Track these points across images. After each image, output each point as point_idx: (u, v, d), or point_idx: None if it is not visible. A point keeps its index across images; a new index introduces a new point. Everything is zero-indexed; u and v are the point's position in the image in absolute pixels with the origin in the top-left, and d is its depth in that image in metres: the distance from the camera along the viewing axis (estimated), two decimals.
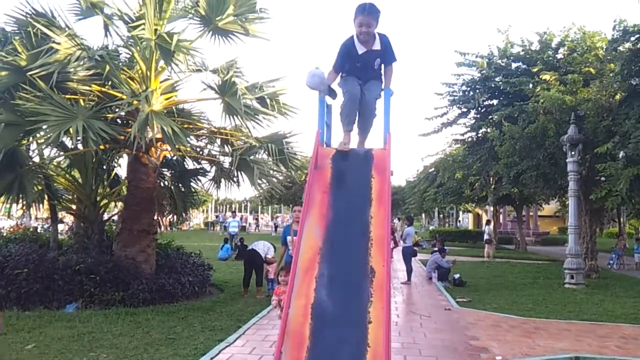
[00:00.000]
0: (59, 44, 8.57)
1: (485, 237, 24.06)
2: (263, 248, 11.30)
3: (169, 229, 15.12)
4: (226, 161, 11.33)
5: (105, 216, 11.53)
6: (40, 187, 10.31)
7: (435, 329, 8.05)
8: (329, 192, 3.78)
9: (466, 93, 20.06)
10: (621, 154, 11.87)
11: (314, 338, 2.94)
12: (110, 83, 9.58)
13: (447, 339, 7.33)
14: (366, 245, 3.41)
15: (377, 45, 4.42)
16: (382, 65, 4.56)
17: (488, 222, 26.74)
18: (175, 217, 13.12)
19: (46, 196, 10.73)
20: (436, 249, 15.64)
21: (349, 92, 4.40)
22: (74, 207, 11.19)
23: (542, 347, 6.94)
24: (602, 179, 13.81)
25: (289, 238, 7.54)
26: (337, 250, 3.42)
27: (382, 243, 3.37)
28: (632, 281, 15.72)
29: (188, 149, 10.59)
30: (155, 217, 10.78)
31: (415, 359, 6.14)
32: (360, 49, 4.40)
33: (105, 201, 11.27)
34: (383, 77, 4.56)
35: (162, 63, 9.71)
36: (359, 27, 4.31)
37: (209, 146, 11.84)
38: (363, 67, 4.45)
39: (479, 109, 19.99)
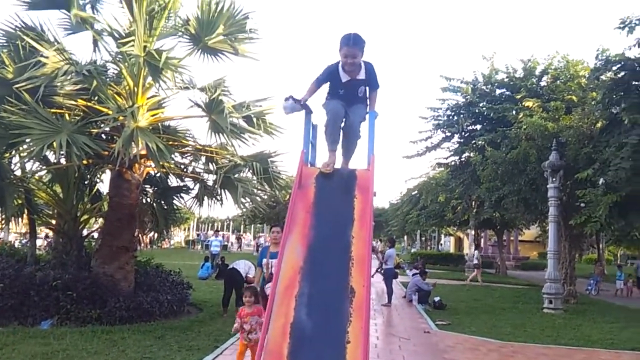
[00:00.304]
0: (47, 57, 8.56)
1: (475, 261, 24.23)
2: (244, 267, 11.24)
3: (149, 246, 14.96)
4: (210, 179, 11.31)
5: (85, 232, 11.41)
6: (20, 201, 10.19)
7: (414, 351, 8.05)
8: (311, 211, 3.80)
9: (450, 117, 20.32)
10: (601, 180, 12.08)
11: (293, 357, 2.94)
12: (96, 98, 9.56)
13: None
14: (347, 265, 3.43)
15: (362, 75, 4.45)
16: (367, 92, 4.60)
17: (477, 247, 26.89)
18: (156, 234, 13.03)
19: (26, 210, 10.61)
20: (417, 270, 15.73)
21: (331, 111, 4.41)
22: (53, 222, 11.07)
23: None
24: (582, 205, 14.02)
25: (264, 260, 6.95)
26: (318, 270, 3.43)
27: (363, 263, 3.40)
28: (610, 307, 15.90)
29: (172, 165, 10.57)
30: (136, 234, 10.70)
31: None
32: (344, 78, 4.43)
33: (85, 217, 11.17)
34: (368, 101, 4.62)
35: (150, 79, 9.74)
36: (344, 57, 4.33)
37: (193, 163, 11.82)
38: (346, 94, 4.46)
39: (463, 133, 20.26)
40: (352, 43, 4.29)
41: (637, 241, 31.67)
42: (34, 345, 7.19)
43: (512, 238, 46.98)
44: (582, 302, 16.29)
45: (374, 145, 4.37)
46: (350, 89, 4.46)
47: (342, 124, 4.50)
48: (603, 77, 13.64)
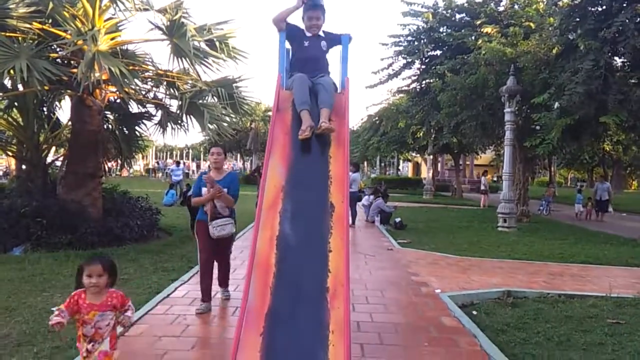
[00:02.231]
0: None
1: (482, 187, 24.86)
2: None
3: (108, 174, 14.83)
4: (173, 105, 11.20)
5: (48, 160, 11.28)
6: None
7: (380, 266, 8.53)
8: (290, 133, 3.96)
9: (411, 43, 20.29)
10: (556, 104, 12.49)
11: (280, 265, 3.18)
12: (50, 21, 9.21)
13: (390, 275, 7.82)
14: (326, 183, 3.64)
15: (321, 34, 4.67)
16: (327, 50, 4.73)
17: (484, 173, 27.32)
18: (119, 161, 12.95)
19: None
20: (377, 195, 16.21)
21: (296, 79, 4.41)
22: (14, 149, 10.90)
23: (477, 282, 7.53)
24: (537, 128, 14.54)
25: (204, 190, 5.54)
26: (299, 188, 3.64)
27: (341, 181, 3.62)
28: (560, 225, 16.91)
29: (133, 91, 10.40)
30: (101, 161, 10.64)
31: (363, 293, 6.54)
32: (308, 34, 4.63)
33: (46, 145, 11.02)
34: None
35: (106, 1, 9.40)
36: (309, 21, 4.57)
37: (154, 89, 11.63)
38: (309, 47, 4.61)
39: (424, 59, 20.32)
40: (315, 6, 4.54)
41: (587, 164, 33.18)
42: (9, 270, 7.30)
43: (467, 162, 48.42)
44: (534, 221, 17.26)
45: (347, 68, 4.49)
46: (313, 44, 4.63)
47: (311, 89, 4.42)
48: (560, 3, 13.80)
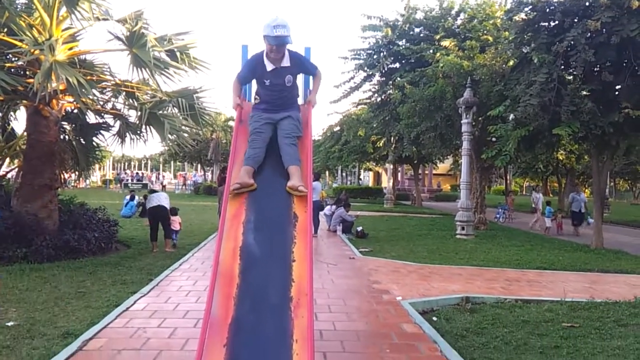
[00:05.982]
0: None
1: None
2: (165, 200, 11.32)
3: (64, 186, 14.41)
4: (132, 115, 11.07)
5: (1, 171, 10.99)
6: None
7: (342, 275, 8.60)
8: None
9: (371, 56, 20.61)
10: (511, 116, 12.87)
11: (243, 275, 3.19)
12: (5, 30, 9.01)
13: (352, 284, 7.89)
14: (289, 193, 3.69)
15: (286, 62, 4.12)
16: (295, 82, 4.29)
17: (535, 188, 26.58)
18: (75, 173, 12.69)
19: None
20: (339, 204, 16.31)
21: (252, 130, 4.07)
22: None
23: (437, 288, 7.68)
24: (493, 139, 14.93)
25: None
26: (262, 199, 3.66)
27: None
28: (516, 232, 17.34)
29: (91, 101, 10.24)
30: (57, 172, 10.42)
31: (325, 301, 6.58)
32: (269, 66, 4.10)
33: (0, 156, 10.74)
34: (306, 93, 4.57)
35: (63, 11, 9.25)
36: (269, 44, 4.00)
37: (112, 99, 11.47)
38: (272, 85, 4.15)
39: (384, 71, 20.66)
40: (273, 41, 3.95)
41: (541, 173, 34.18)
42: None
43: (426, 172, 49.27)
44: (491, 229, 17.68)
45: (311, 83, 4.54)
46: (275, 78, 4.13)
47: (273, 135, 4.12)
48: (516, 18, 14.25)
